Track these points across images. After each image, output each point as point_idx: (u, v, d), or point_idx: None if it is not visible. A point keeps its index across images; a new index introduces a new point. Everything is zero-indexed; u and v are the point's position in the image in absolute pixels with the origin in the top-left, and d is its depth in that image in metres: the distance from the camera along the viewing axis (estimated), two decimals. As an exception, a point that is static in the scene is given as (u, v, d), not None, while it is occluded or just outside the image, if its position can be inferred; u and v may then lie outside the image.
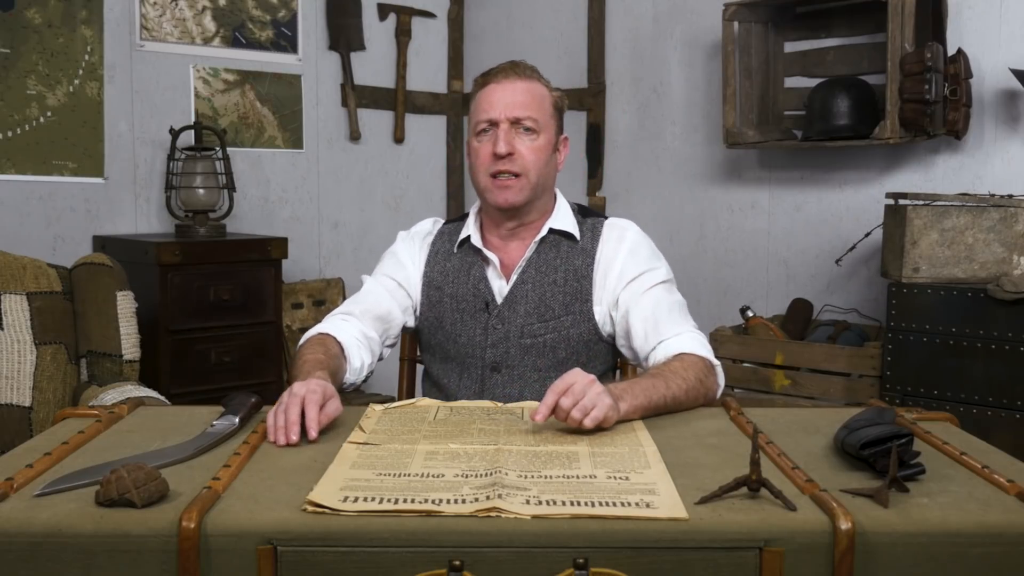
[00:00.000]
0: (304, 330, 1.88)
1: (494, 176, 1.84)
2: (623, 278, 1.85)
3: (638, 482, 1.20)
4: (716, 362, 1.75)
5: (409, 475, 1.22)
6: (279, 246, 3.31)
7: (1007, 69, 2.95)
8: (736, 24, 3.37)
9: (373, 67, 4.10)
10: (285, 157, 3.86)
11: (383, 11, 4.12)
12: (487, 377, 1.87)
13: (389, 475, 1.22)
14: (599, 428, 1.44)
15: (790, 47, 3.49)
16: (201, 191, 3.33)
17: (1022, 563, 1.08)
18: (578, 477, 1.22)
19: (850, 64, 3.33)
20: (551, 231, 1.91)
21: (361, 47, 4.05)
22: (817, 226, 3.48)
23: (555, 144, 1.90)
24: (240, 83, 3.70)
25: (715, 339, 3.16)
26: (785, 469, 1.25)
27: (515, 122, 1.83)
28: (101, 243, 3.29)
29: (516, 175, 1.83)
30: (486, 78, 1.88)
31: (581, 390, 1.42)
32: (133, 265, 2.91)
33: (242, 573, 1.05)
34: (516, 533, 1.06)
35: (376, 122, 4.14)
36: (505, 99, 1.83)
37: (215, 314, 3.14)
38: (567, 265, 1.88)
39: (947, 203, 2.74)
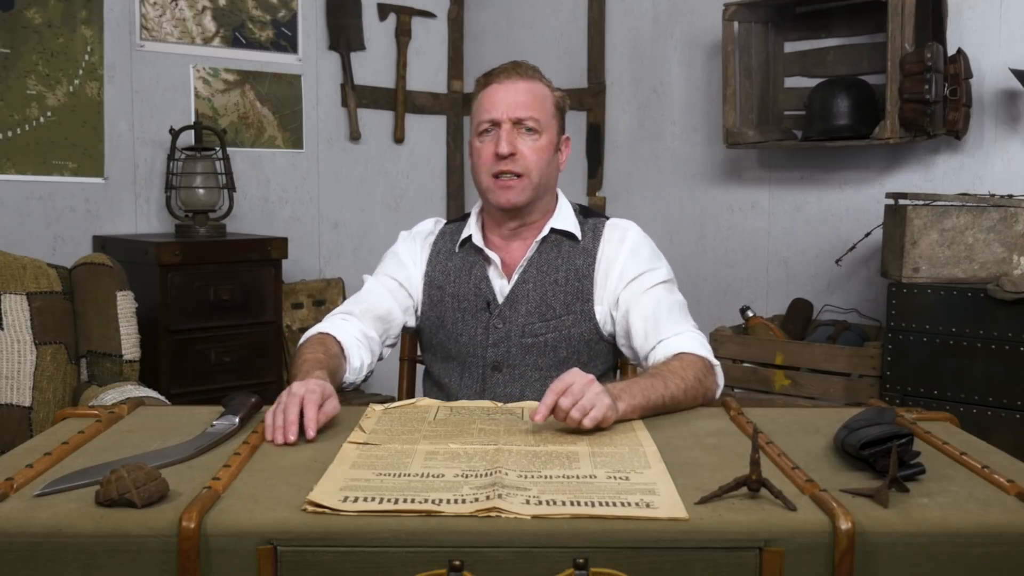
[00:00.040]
0: (304, 330, 1.88)
1: (496, 176, 1.84)
2: (624, 278, 1.86)
3: (638, 482, 1.20)
4: (715, 362, 1.76)
5: (409, 475, 1.22)
6: (279, 246, 3.31)
7: (1007, 69, 2.95)
8: (736, 24, 3.37)
9: (373, 67, 4.10)
10: (285, 157, 3.86)
11: (383, 11, 4.12)
12: (488, 376, 1.87)
13: (389, 475, 1.22)
14: (598, 428, 1.44)
15: (790, 47, 3.49)
16: (201, 191, 3.33)
17: (1022, 563, 1.08)
18: (578, 477, 1.22)
19: (850, 64, 3.33)
20: (553, 231, 1.91)
21: (361, 47, 4.05)
22: (817, 226, 3.48)
23: (557, 144, 1.90)
24: (240, 83, 3.70)
25: (715, 339, 3.17)
26: (785, 469, 1.25)
27: (517, 122, 1.83)
28: (101, 243, 3.29)
29: (518, 175, 1.83)
30: (488, 78, 1.88)
31: (580, 390, 1.43)
32: (133, 265, 2.91)
33: (242, 573, 1.05)
34: (516, 533, 1.06)
35: (376, 122, 4.14)
36: (507, 99, 1.84)
37: (215, 314, 3.14)
38: (568, 265, 1.88)
39: (947, 203, 2.74)
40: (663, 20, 3.82)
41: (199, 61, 3.60)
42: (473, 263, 1.93)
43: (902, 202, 2.80)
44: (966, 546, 1.08)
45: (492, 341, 1.87)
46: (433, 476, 1.22)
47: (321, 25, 3.93)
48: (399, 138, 4.19)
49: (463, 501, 1.12)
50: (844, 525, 1.05)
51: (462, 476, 1.22)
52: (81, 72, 3.29)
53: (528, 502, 1.12)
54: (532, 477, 1.22)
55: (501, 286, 1.90)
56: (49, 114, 3.23)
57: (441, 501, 1.11)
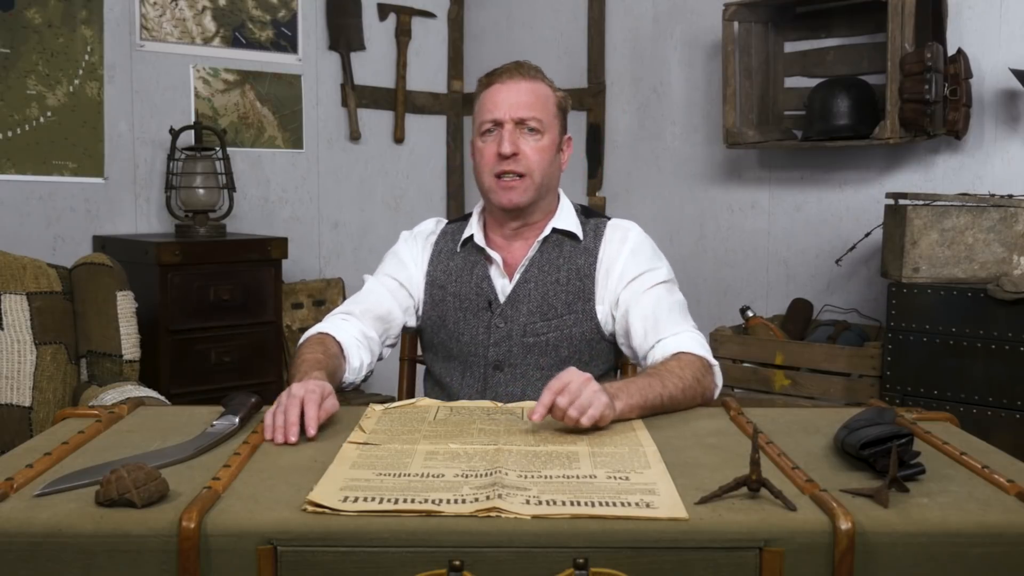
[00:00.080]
0: (304, 330, 1.88)
1: (498, 176, 1.84)
2: (624, 277, 1.86)
3: (638, 482, 1.20)
4: (714, 362, 1.76)
5: (409, 475, 1.22)
6: (279, 246, 3.31)
7: (1007, 69, 2.95)
8: (736, 24, 3.37)
9: (373, 67, 4.10)
10: (285, 157, 3.86)
11: (383, 11, 4.12)
12: (490, 376, 1.87)
13: (389, 475, 1.22)
14: (596, 427, 1.44)
15: (790, 47, 3.49)
16: (201, 191, 3.33)
17: (1022, 563, 1.08)
18: (578, 477, 1.22)
19: (850, 64, 3.33)
20: (554, 231, 1.91)
21: (361, 47, 4.05)
22: (817, 226, 3.48)
23: (559, 144, 1.91)
24: (240, 83, 3.70)
25: (715, 339, 3.17)
26: (785, 469, 1.25)
27: (519, 122, 1.83)
28: (101, 243, 3.29)
29: (520, 175, 1.84)
30: (490, 78, 1.88)
31: (577, 389, 1.43)
32: (133, 265, 2.91)
33: (242, 573, 1.05)
34: (516, 533, 1.06)
35: (376, 122, 4.14)
36: (509, 99, 1.84)
37: (215, 314, 3.14)
38: (570, 264, 1.89)
39: (947, 203, 2.74)
40: (663, 20, 3.82)
41: (199, 61, 3.60)
42: (475, 263, 1.93)
43: (902, 202, 2.80)
44: (966, 546, 1.08)
45: (494, 340, 1.87)
46: (433, 476, 1.22)
47: (321, 25, 3.93)
48: (399, 138, 4.19)
49: (463, 501, 1.12)
50: (844, 525, 1.05)
51: (462, 476, 1.22)
52: (81, 72, 3.29)
53: (528, 502, 1.12)
54: (532, 477, 1.22)
55: (503, 285, 1.90)
56: (49, 114, 3.23)
57: (441, 501, 1.11)
